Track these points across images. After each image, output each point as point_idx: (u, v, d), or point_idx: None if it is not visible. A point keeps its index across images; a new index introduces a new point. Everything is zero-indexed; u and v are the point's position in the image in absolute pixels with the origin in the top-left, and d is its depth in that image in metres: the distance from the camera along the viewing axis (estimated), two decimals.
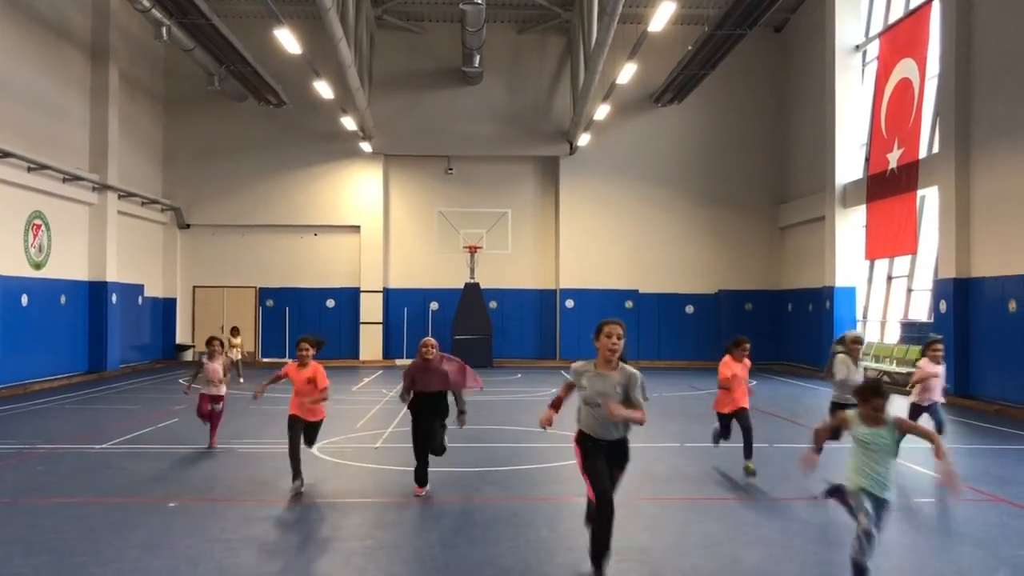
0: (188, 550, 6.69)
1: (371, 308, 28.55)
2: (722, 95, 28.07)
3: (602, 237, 28.55)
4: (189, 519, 7.70)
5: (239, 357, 20.92)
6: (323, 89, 21.74)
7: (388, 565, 6.32)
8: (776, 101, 28.64)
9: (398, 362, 27.96)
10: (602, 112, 24.06)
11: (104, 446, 11.63)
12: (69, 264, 21.96)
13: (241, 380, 19.85)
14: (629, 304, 28.49)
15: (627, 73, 20.15)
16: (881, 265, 23.30)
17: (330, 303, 28.76)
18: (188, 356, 28.30)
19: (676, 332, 28.59)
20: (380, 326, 28.60)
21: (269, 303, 28.84)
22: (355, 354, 28.47)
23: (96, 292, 23.00)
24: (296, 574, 6.09)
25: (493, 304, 28.25)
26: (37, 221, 20.40)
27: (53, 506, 8.19)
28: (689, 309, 28.66)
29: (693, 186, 28.62)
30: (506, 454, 11.18)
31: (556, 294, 28.79)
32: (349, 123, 25.20)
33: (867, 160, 22.90)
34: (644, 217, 28.61)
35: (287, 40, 17.59)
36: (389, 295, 28.88)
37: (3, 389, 18.19)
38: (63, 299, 21.58)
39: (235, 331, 21.58)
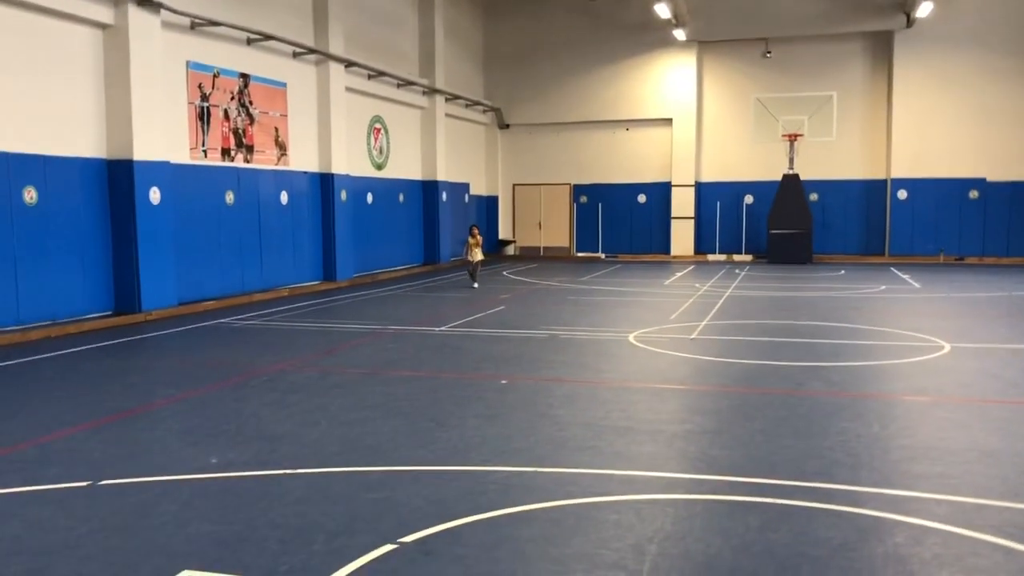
0: (520, 423, 7.18)
1: (683, 203, 28.21)
2: None
3: (943, 119, 25.62)
4: (519, 395, 8.25)
5: (480, 258, 18.94)
6: None
7: (709, 449, 6.35)
8: None
9: (710, 257, 27.56)
10: None
11: (442, 328, 12.74)
12: (405, 164, 23.95)
13: (475, 285, 18.66)
14: (974, 194, 25.54)
15: None
16: None
17: (641, 198, 28.83)
18: (510, 251, 29.98)
19: None
20: (692, 221, 28.24)
21: (583, 199, 29.52)
22: (666, 249, 28.45)
23: (429, 190, 24.94)
24: (620, 451, 6.30)
25: (814, 196, 26.69)
26: (377, 125, 22.36)
27: (403, 378, 9.16)
28: None
29: None
30: (829, 350, 10.66)
31: (887, 184, 26.49)
32: (663, 11, 24.56)
33: None
34: (996, 94, 25.14)
35: None
36: (701, 189, 28.31)
37: (356, 278, 20.51)
38: (401, 197, 23.66)
39: (473, 230, 19.11)
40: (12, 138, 12.15)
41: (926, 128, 25.73)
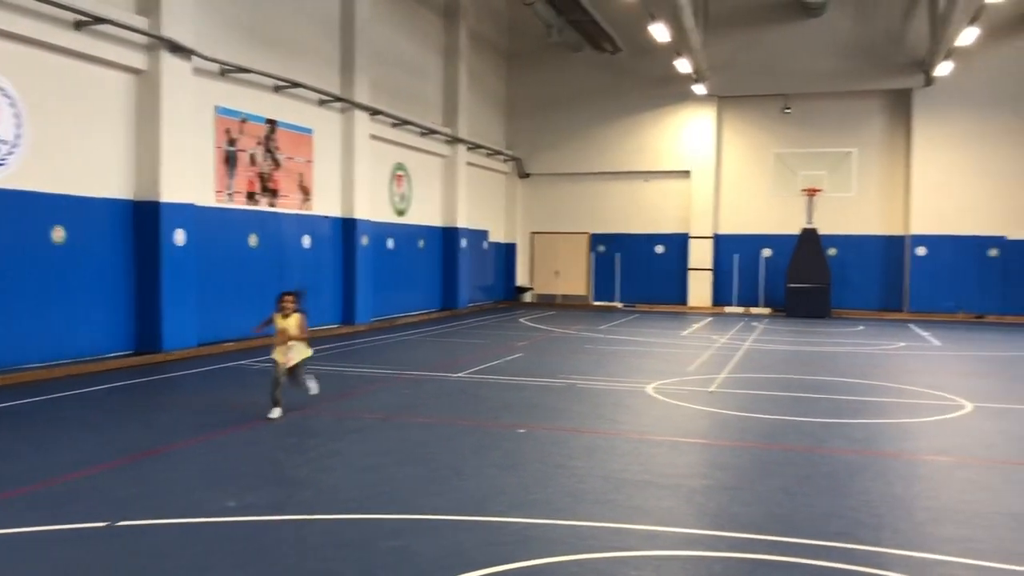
0: (538, 473, 7.14)
1: (701, 254, 28.25)
2: None
3: (962, 177, 25.65)
4: (537, 445, 8.21)
5: (297, 359, 9.58)
6: (658, 32, 21.59)
7: (729, 506, 6.28)
8: None
9: (728, 310, 27.50)
10: (967, 36, 21.38)
11: (459, 375, 12.74)
12: (425, 211, 24.16)
13: (273, 414, 9.27)
14: (993, 252, 25.43)
15: None
16: None
17: (659, 249, 28.89)
18: (527, 298, 30.04)
19: None
20: (710, 272, 28.23)
21: (601, 248, 29.61)
22: (683, 300, 28.42)
23: (448, 237, 25.12)
24: (639, 505, 6.25)
25: (832, 251, 26.67)
26: (400, 172, 22.63)
27: (420, 424, 9.15)
28: None
29: None
30: (850, 406, 10.57)
31: (905, 240, 26.46)
32: (683, 66, 24.85)
33: None
34: (1015, 153, 25.18)
35: None
36: (719, 241, 28.35)
37: (375, 322, 20.59)
38: (421, 243, 23.83)
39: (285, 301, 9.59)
40: (45, 178, 12.37)
41: (945, 185, 25.76)
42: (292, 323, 9.45)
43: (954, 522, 5.96)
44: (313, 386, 9.84)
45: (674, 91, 27.86)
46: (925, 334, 20.62)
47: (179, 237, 14.27)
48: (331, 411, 9.83)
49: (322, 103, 18.74)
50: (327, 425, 9.05)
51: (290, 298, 9.56)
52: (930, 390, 11.90)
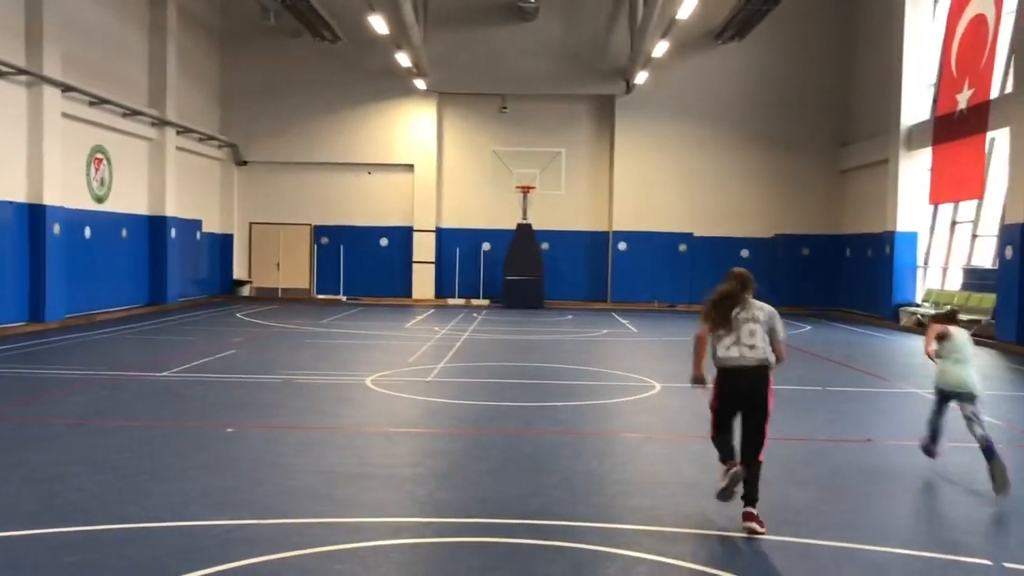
0: (247, 473, 6.88)
1: (424, 247, 28.66)
2: (785, 32, 27.17)
3: (657, 179, 28.14)
4: (248, 444, 7.91)
5: None
6: (377, 24, 21.55)
7: (438, 492, 6.43)
8: (841, 39, 27.64)
9: (450, 301, 28.15)
10: (660, 49, 23.48)
11: (165, 374, 11.95)
12: (130, 198, 22.39)
13: None
14: (683, 248, 28.16)
15: (687, 8, 19.59)
16: (945, 210, 22.64)
17: (384, 241, 28.93)
18: (245, 291, 28.85)
19: None
20: (433, 265, 28.74)
21: (324, 240, 29.11)
22: (408, 292, 28.70)
23: (156, 226, 23.45)
24: (350, 498, 6.22)
25: (545, 245, 28.14)
26: (99, 155, 20.78)
27: (117, 428, 8.47)
28: (744, 253, 28.14)
29: (752, 127, 27.94)
30: (555, 390, 11.23)
31: (609, 236, 28.56)
32: (403, 60, 25.01)
33: (935, 101, 22.07)
34: (700, 158, 28.09)
35: None
36: (442, 235, 28.94)
37: (69, 319, 18.76)
38: (124, 232, 22.05)
39: None
40: None
41: (643, 186, 28.11)
42: None
43: (640, 493, 6.52)
44: None
45: (396, 84, 27.98)
46: (625, 322, 22.39)
47: None
48: (13, 417, 8.83)
49: (2, 75, 16.73)
50: (6, 433, 8.12)
51: None
52: (627, 373, 12.94)
